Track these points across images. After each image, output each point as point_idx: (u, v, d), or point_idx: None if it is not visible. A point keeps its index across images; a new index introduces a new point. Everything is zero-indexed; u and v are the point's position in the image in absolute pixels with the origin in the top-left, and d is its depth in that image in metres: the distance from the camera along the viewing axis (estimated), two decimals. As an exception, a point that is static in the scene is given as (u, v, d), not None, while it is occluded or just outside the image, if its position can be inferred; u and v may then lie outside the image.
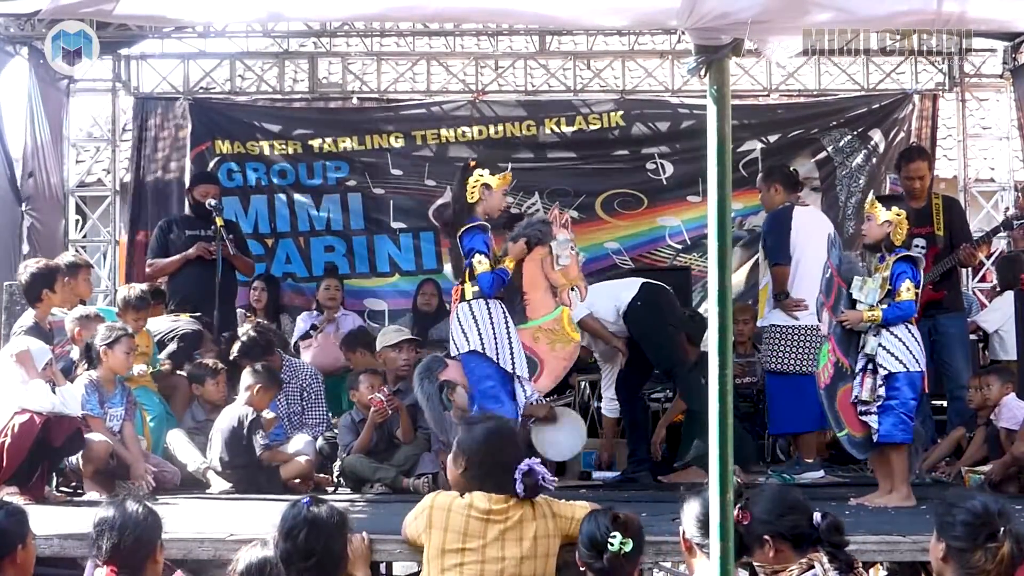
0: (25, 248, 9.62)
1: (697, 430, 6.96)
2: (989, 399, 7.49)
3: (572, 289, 6.76)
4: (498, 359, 6.44)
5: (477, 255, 6.43)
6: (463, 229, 6.55)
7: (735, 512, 3.81)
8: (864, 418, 6.42)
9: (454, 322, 6.60)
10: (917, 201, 8.36)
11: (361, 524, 4.98)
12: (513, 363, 6.45)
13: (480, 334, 6.45)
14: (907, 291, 6.39)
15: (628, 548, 4.05)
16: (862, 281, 6.51)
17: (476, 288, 6.47)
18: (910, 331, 6.46)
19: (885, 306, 6.38)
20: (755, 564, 4.04)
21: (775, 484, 4.51)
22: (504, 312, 6.53)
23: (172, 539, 4.59)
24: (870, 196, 6.78)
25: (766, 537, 3.93)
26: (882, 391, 6.38)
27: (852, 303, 6.53)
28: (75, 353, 7.24)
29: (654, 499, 6.49)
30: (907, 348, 6.40)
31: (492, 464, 4.55)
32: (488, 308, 6.48)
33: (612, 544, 4.05)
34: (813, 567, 3.81)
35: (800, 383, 7.55)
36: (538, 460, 4.53)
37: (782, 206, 7.84)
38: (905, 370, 6.37)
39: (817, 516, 3.90)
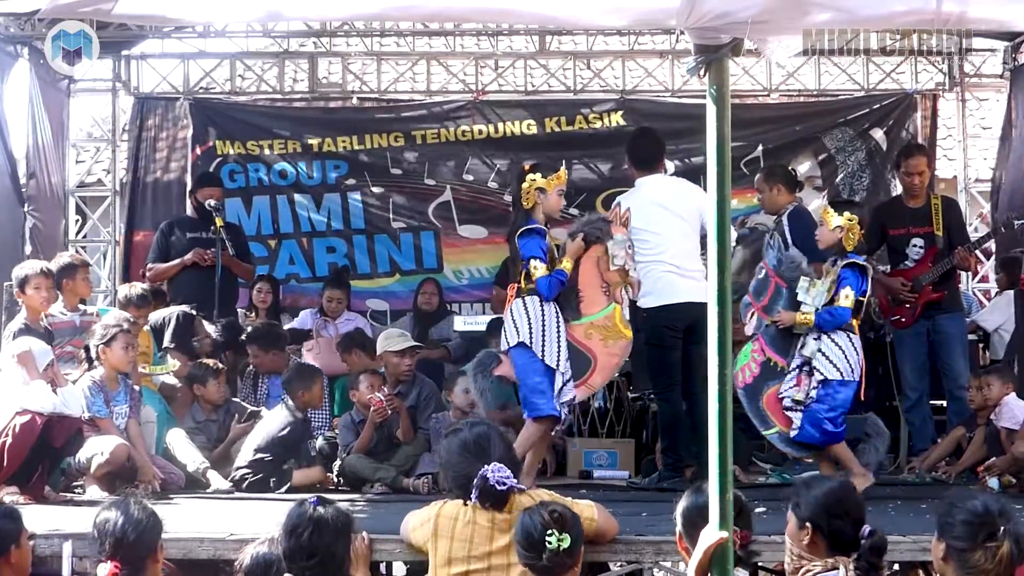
0: (28, 249, 9.61)
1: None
2: (989, 399, 7.49)
3: (625, 287, 6.71)
4: (544, 355, 6.45)
5: (533, 261, 6.45)
6: (518, 233, 6.56)
7: (737, 534, 3.80)
8: (790, 415, 6.48)
9: (507, 317, 6.63)
10: (916, 200, 8.37)
11: (361, 524, 4.98)
12: (558, 360, 6.47)
13: (530, 327, 6.46)
14: (845, 298, 6.43)
15: (566, 544, 3.99)
16: (809, 283, 6.53)
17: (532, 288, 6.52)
18: (851, 340, 6.50)
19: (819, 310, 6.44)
20: (786, 536, 4.02)
21: (843, 480, 4.46)
22: (556, 311, 6.52)
23: (172, 539, 4.59)
24: (823, 201, 6.79)
25: (808, 524, 3.92)
26: (813, 393, 6.44)
27: (796, 304, 6.54)
28: None
29: (654, 499, 6.49)
30: (845, 356, 6.45)
31: (465, 476, 4.53)
32: (541, 305, 6.50)
33: (550, 542, 3.98)
34: (837, 569, 3.80)
35: None
36: (500, 466, 4.46)
37: (797, 205, 7.85)
38: (840, 378, 6.43)
39: (865, 530, 3.85)
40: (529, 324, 6.47)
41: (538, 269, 6.44)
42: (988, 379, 7.58)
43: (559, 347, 6.46)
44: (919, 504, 6.32)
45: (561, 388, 6.48)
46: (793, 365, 6.53)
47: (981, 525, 3.54)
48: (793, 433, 6.48)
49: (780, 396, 6.52)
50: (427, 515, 4.68)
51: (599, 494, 6.77)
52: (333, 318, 9.40)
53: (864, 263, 6.60)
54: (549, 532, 4.00)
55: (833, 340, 6.46)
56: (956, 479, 7.55)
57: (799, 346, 6.52)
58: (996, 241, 9.61)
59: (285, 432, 7.25)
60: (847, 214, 6.53)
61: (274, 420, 7.36)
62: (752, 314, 6.80)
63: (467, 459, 4.56)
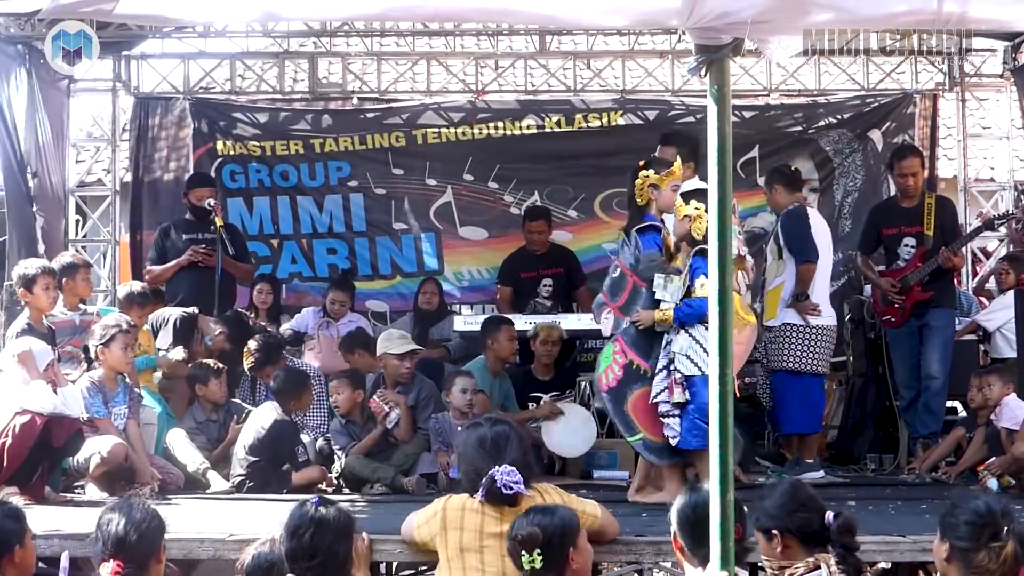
0: (41, 248, 9.60)
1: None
2: (989, 399, 7.48)
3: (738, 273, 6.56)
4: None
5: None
6: (637, 229, 6.49)
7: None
8: (666, 420, 6.27)
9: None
10: (910, 201, 8.40)
11: (361, 524, 4.96)
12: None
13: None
14: (701, 288, 6.09)
15: (538, 564, 4.05)
16: (665, 279, 6.32)
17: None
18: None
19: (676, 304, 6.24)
20: (762, 557, 4.02)
21: (789, 479, 4.46)
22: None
23: (172, 539, 4.58)
24: (676, 196, 6.56)
25: (774, 531, 3.90)
26: (688, 395, 6.20)
27: (656, 303, 6.35)
28: None
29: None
30: (704, 351, 6.06)
31: (476, 472, 4.56)
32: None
33: (523, 563, 4.09)
34: (819, 567, 3.79)
35: (808, 383, 7.58)
36: (510, 469, 4.49)
37: (795, 205, 7.85)
38: (701, 374, 6.08)
39: (829, 516, 3.86)
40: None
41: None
42: (988, 379, 7.57)
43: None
44: (919, 504, 6.32)
45: None
46: (660, 366, 6.30)
47: (985, 525, 3.55)
48: (674, 441, 6.24)
49: (654, 401, 6.30)
50: (433, 510, 4.70)
51: (599, 494, 6.75)
52: (336, 320, 9.39)
53: None
54: (521, 554, 4.08)
55: (694, 337, 6.19)
56: (956, 479, 7.55)
57: (664, 344, 6.28)
58: (1011, 239, 9.68)
59: (273, 435, 7.20)
60: (694, 202, 6.21)
61: (261, 422, 7.28)
62: (607, 314, 6.61)
63: (482, 455, 4.59)
